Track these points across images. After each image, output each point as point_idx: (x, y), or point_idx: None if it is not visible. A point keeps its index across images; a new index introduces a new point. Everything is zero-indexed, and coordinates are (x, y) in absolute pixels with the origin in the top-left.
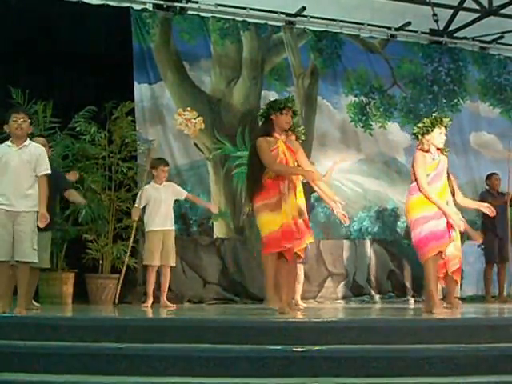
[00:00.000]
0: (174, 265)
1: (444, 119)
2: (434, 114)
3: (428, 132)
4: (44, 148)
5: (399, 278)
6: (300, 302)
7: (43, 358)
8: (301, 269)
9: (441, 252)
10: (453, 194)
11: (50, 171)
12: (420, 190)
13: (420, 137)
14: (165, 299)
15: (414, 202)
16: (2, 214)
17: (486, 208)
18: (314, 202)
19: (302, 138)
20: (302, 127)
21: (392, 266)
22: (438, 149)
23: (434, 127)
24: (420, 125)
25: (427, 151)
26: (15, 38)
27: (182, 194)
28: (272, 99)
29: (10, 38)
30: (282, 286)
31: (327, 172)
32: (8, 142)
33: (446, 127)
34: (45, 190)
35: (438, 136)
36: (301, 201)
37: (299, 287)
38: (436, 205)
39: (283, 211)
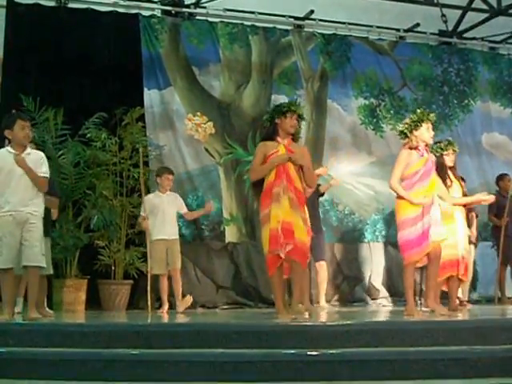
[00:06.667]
0: (179, 267)
1: (431, 114)
2: (418, 110)
3: (417, 127)
4: (43, 154)
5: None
6: (324, 303)
7: (56, 365)
8: (323, 267)
9: (427, 255)
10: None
11: (47, 175)
12: (390, 186)
13: (408, 134)
14: (180, 302)
15: (402, 202)
16: (9, 221)
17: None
18: (328, 206)
19: (300, 135)
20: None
21: None
22: (427, 145)
23: (422, 122)
24: (407, 121)
25: (416, 148)
26: (25, 46)
27: (182, 209)
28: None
29: (20, 46)
30: (299, 288)
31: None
32: (8, 149)
33: (432, 122)
34: (41, 183)
35: (425, 131)
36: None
37: (324, 286)
38: (406, 198)
39: (272, 216)
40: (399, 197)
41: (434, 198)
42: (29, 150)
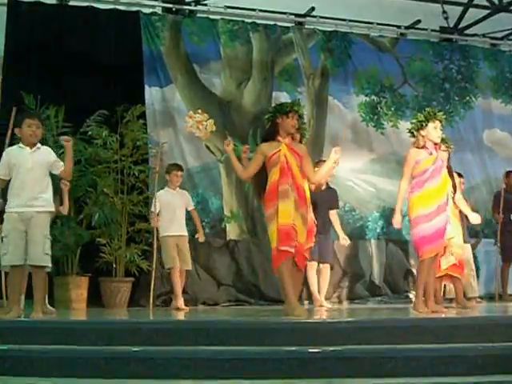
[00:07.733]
0: (190, 268)
1: (438, 113)
2: (427, 109)
3: (422, 127)
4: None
5: (416, 278)
6: (325, 303)
7: (57, 363)
8: (327, 269)
9: (438, 254)
10: (454, 191)
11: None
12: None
13: (415, 133)
14: (176, 302)
15: (414, 199)
16: (14, 218)
17: (475, 219)
18: None
19: (307, 135)
20: (306, 124)
21: (408, 266)
22: (436, 144)
23: (428, 121)
24: (414, 120)
25: (423, 147)
26: (26, 44)
27: (190, 206)
28: (283, 100)
29: (21, 44)
30: (293, 288)
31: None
32: (20, 145)
33: (440, 121)
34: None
35: (433, 130)
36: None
37: (325, 287)
38: (398, 201)
39: (281, 211)
40: (411, 193)
41: (448, 196)
42: (39, 145)
